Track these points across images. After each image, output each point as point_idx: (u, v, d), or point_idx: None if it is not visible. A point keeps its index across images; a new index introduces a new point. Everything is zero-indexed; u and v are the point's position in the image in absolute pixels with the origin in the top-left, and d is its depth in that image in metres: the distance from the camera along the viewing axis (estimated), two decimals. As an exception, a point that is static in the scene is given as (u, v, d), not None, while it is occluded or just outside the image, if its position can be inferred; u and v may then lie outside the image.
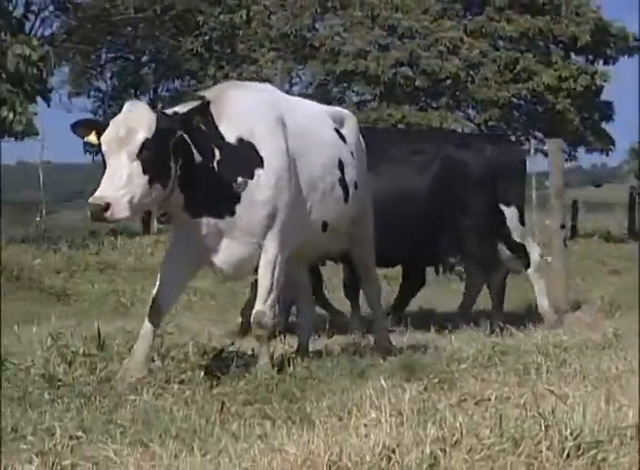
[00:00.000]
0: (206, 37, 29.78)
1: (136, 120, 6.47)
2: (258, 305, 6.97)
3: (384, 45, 28.86)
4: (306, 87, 30.55)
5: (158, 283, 6.92)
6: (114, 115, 6.75)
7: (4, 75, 21.90)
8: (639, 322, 8.31)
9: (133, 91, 32.77)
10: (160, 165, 6.46)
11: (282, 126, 7.04)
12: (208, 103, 6.72)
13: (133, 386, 6.42)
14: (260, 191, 6.83)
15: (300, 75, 31.02)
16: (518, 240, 10.36)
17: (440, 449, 4.38)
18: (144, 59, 33.16)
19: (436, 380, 6.37)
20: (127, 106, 6.60)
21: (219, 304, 11.31)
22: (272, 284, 6.94)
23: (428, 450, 4.35)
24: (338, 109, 8.21)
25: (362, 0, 28.87)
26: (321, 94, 28.97)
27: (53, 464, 4.50)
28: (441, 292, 12.54)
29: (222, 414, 5.66)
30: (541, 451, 4.35)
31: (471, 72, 28.82)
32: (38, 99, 23.67)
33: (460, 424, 4.59)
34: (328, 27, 29.69)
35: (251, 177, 6.82)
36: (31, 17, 27.62)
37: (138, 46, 32.68)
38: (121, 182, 6.32)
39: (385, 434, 4.49)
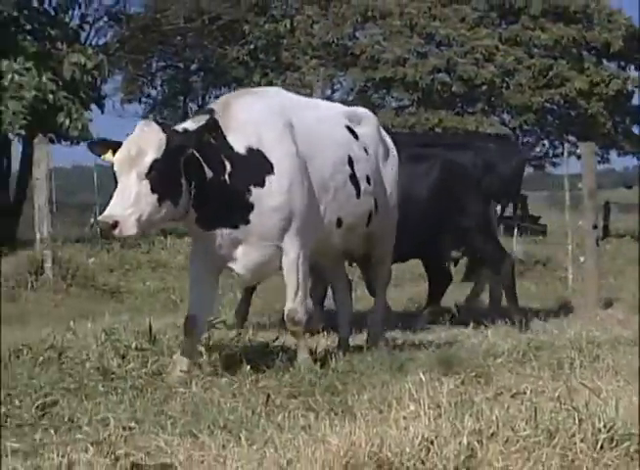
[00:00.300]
0: (252, 46, 29.87)
1: (146, 141, 6.40)
2: (289, 304, 6.93)
3: (422, 53, 28.83)
4: (347, 93, 30.58)
5: (189, 298, 6.91)
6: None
7: (60, 83, 22.06)
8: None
9: (182, 98, 32.96)
10: (169, 184, 6.39)
11: (290, 130, 6.91)
12: (216, 120, 6.62)
13: (183, 379, 6.45)
14: (273, 197, 6.71)
15: (342, 82, 31.10)
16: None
17: (477, 441, 4.36)
18: (193, 67, 33.33)
19: (473, 374, 6.34)
20: (140, 126, 6.54)
21: (264, 300, 11.30)
22: (298, 282, 6.87)
23: (465, 442, 4.33)
24: (357, 108, 8.04)
25: (401, 10, 28.84)
26: (361, 100, 28.97)
27: (107, 453, 4.51)
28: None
29: (268, 406, 5.66)
30: (575, 443, 4.32)
31: (506, 79, 28.72)
32: (93, 106, 23.85)
33: (496, 417, 4.56)
34: (368, 36, 29.70)
35: (263, 185, 6.70)
36: (86, 27, 27.79)
37: (187, 55, 32.84)
38: (130, 201, 6.29)
39: (423, 426, 4.47)
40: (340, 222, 7.25)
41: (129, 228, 6.28)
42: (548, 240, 22.62)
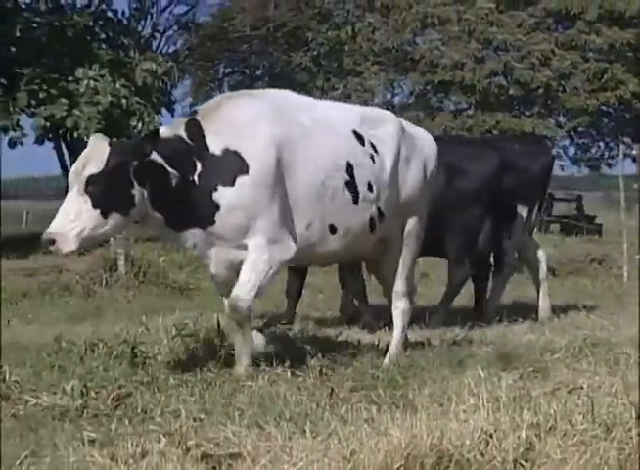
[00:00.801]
0: (315, 52, 29.91)
1: (88, 156, 6.32)
2: (235, 290, 6.52)
3: (479, 57, 28.64)
4: (407, 97, 30.52)
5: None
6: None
7: (133, 89, 22.30)
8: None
9: (248, 103, 33.02)
10: (114, 197, 6.28)
11: (274, 133, 6.56)
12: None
13: (250, 373, 6.47)
14: (239, 199, 6.43)
15: (402, 86, 31.00)
16: None
17: (536, 435, 4.33)
18: (258, 73, 33.46)
19: (531, 369, 6.29)
20: (91, 140, 6.44)
21: (327, 297, 11.31)
22: (250, 279, 6.47)
23: (524, 435, 4.30)
24: (377, 110, 7.60)
25: (459, 16, 28.68)
26: (420, 103, 28.89)
27: (179, 443, 4.55)
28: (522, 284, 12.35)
29: (331, 399, 5.66)
30: (632, 437, 4.26)
31: (562, 82, 28.43)
32: (163, 110, 24.07)
33: (554, 411, 4.53)
34: (427, 42, 29.56)
35: (231, 185, 6.43)
36: (157, 36, 28.14)
37: (253, 61, 33.00)
38: (70, 217, 6.23)
39: (483, 419, 4.45)
40: (333, 229, 6.84)
41: (68, 244, 6.22)
42: (604, 239, 22.37)
